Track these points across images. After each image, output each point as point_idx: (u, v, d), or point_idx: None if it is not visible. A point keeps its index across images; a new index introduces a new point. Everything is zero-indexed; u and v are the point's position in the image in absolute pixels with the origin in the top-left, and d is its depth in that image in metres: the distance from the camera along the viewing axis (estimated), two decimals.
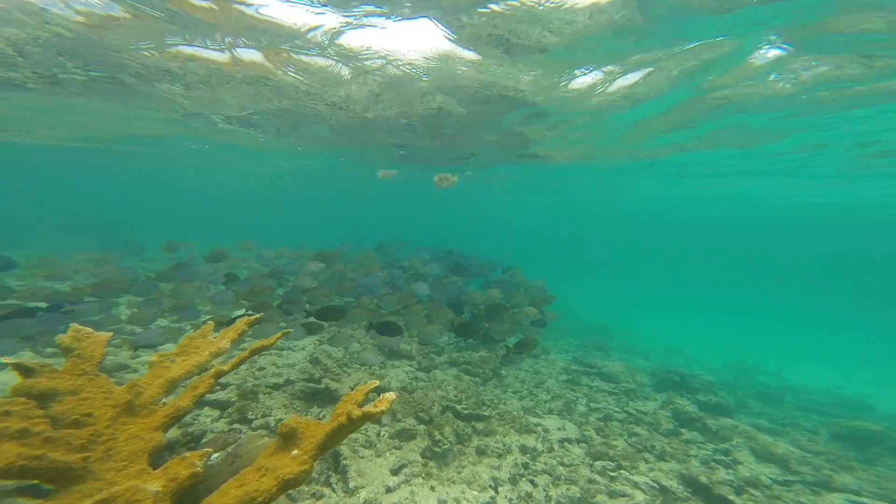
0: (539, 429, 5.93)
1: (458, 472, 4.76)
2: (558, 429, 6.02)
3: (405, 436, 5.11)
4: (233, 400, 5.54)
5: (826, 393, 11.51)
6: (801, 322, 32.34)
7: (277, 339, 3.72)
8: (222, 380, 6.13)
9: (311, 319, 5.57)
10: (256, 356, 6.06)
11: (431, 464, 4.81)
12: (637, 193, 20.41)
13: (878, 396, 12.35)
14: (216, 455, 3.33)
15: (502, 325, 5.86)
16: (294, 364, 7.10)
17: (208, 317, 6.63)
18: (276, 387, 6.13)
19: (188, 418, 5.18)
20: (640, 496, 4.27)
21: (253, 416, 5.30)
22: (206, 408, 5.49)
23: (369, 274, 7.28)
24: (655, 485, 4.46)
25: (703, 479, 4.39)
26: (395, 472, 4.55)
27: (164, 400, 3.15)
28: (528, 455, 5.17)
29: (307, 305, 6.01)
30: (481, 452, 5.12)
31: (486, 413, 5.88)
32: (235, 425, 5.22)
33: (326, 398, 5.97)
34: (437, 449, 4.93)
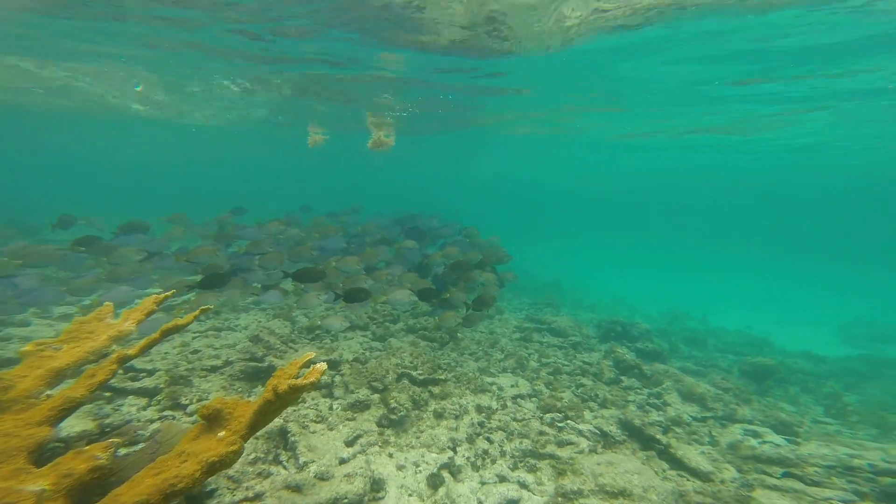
0: (494, 387, 6.18)
1: (417, 437, 4.84)
2: (511, 386, 6.33)
3: (359, 407, 5.04)
4: (161, 386, 5.04)
5: (739, 334, 13.41)
6: (726, 269, 37.05)
7: (194, 317, 3.27)
8: (149, 366, 5.53)
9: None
10: (175, 335, 5.41)
11: (388, 431, 4.82)
12: (583, 152, 20.85)
13: (777, 333, 14.68)
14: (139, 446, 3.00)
15: (465, 286, 5.78)
16: (234, 344, 6.59)
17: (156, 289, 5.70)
18: (214, 369, 5.66)
19: (108, 409, 4.64)
20: (584, 443, 4.67)
21: (187, 402, 4.88)
22: (131, 396, 4.95)
23: (326, 237, 6.70)
24: (598, 431, 4.89)
25: (637, 422, 4.88)
26: (349, 444, 4.50)
27: (50, 392, 2.67)
28: (483, 414, 5.39)
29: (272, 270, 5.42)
30: (439, 416, 5.24)
31: (443, 377, 5.98)
32: (167, 412, 4.79)
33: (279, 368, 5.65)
34: (393, 416, 4.94)
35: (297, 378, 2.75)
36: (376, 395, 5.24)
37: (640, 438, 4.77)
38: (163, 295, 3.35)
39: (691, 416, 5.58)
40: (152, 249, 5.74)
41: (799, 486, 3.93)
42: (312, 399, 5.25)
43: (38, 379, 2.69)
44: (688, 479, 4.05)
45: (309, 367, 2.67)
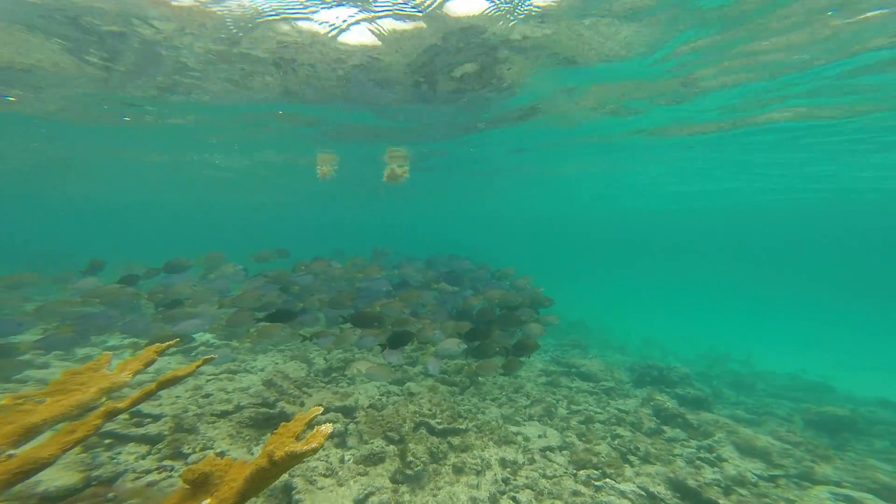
0: (519, 438, 5.59)
1: (434, 496, 4.32)
2: (539, 436, 5.71)
3: (373, 459, 4.60)
4: (166, 433, 4.82)
5: (792, 378, 12.01)
6: (766, 308, 34.39)
7: (196, 367, 3.15)
8: (157, 410, 5.37)
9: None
10: (173, 385, 5.26)
11: (403, 488, 4.33)
12: (608, 188, 20.75)
13: (837, 378, 13.04)
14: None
15: (506, 331, 5.48)
16: (248, 388, 6.40)
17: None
18: (224, 414, 5.43)
19: (104, 457, 4.42)
20: None
21: (189, 450, 4.61)
22: (131, 444, 4.74)
23: (370, 279, 6.60)
24: (643, 492, 4.21)
25: (691, 482, 4.19)
26: (359, 503, 4.04)
27: (12, 452, 2.47)
28: (508, 469, 4.80)
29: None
30: (458, 470, 4.70)
31: (463, 426, 5.47)
32: (166, 462, 4.52)
33: (283, 424, 5.34)
34: (408, 471, 4.46)
35: (299, 440, 2.52)
36: (392, 447, 4.81)
37: (697, 502, 4.06)
38: (165, 344, 3.28)
39: (755, 475, 4.77)
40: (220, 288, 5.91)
41: None
42: (324, 450, 4.87)
43: (3, 437, 2.49)
44: None
45: (315, 424, 2.44)
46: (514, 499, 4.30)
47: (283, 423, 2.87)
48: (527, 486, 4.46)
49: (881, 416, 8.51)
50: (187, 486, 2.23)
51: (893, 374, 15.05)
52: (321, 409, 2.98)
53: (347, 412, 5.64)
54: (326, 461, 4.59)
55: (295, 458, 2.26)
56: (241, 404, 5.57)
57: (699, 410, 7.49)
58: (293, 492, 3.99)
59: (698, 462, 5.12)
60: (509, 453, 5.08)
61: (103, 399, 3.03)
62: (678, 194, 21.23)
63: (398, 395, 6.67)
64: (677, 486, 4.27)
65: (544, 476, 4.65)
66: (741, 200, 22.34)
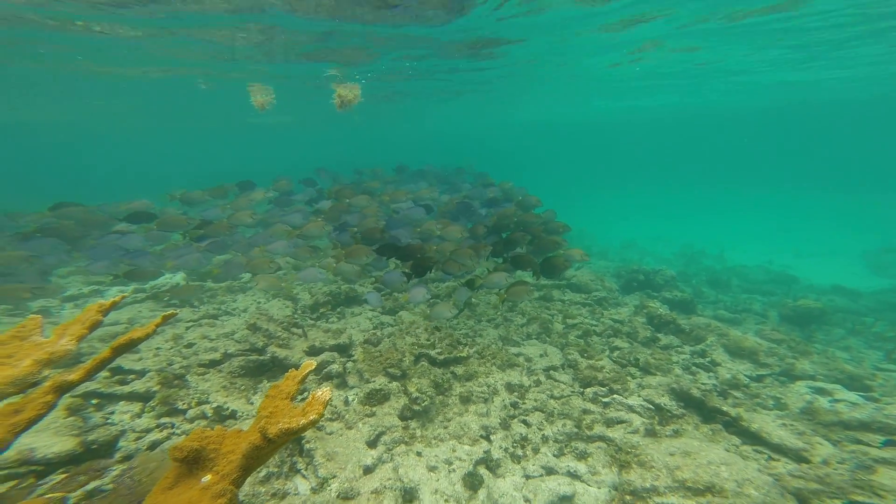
0: (521, 359, 5.57)
1: (445, 427, 4.28)
2: (541, 355, 5.71)
3: (377, 398, 4.42)
4: (155, 389, 4.40)
5: (762, 270, 12.75)
6: (732, 204, 35.86)
7: (155, 327, 2.44)
8: (138, 366, 4.86)
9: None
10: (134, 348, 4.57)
11: (413, 424, 4.25)
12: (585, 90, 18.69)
13: (798, 267, 14.06)
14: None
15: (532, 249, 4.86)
16: (233, 333, 5.88)
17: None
18: (212, 364, 5.00)
19: (97, 417, 4.03)
20: (636, 420, 4.10)
21: (185, 406, 4.26)
22: (122, 402, 4.34)
23: (396, 201, 5.66)
24: (649, 405, 4.30)
25: (695, 391, 4.26)
26: (371, 444, 3.93)
27: None
28: (515, 393, 4.80)
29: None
30: (466, 400, 4.65)
31: (464, 353, 5.33)
32: (164, 419, 4.19)
33: (277, 369, 5.01)
34: (416, 406, 4.34)
35: (294, 401, 2.00)
36: (395, 384, 4.61)
37: (701, 410, 4.19)
38: (109, 301, 2.47)
39: (747, 377, 4.98)
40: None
41: None
42: None
43: None
44: (775, 460, 3.51)
45: (315, 377, 1.89)
46: (524, 422, 4.33)
47: (273, 384, 2.36)
48: (536, 409, 4.48)
49: (838, 304, 9.24)
50: (181, 465, 1.78)
51: (843, 257, 16.37)
52: (314, 364, 2.45)
53: (343, 350, 5.34)
54: (330, 405, 4.38)
55: (292, 434, 1.83)
56: (229, 352, 5.11)
57: (688, 314, 7.77)
58: (303, 441, 3.80)
59: (694, 368, 5.29)
60: (514, 377, 5.04)
61: (45, 372, 2.39)
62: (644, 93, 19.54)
63: (391, 326, 6.41)
64: (681, 396, 4.36)
65: (552, 397, 4.66)
66: (699, 104, 21.12)
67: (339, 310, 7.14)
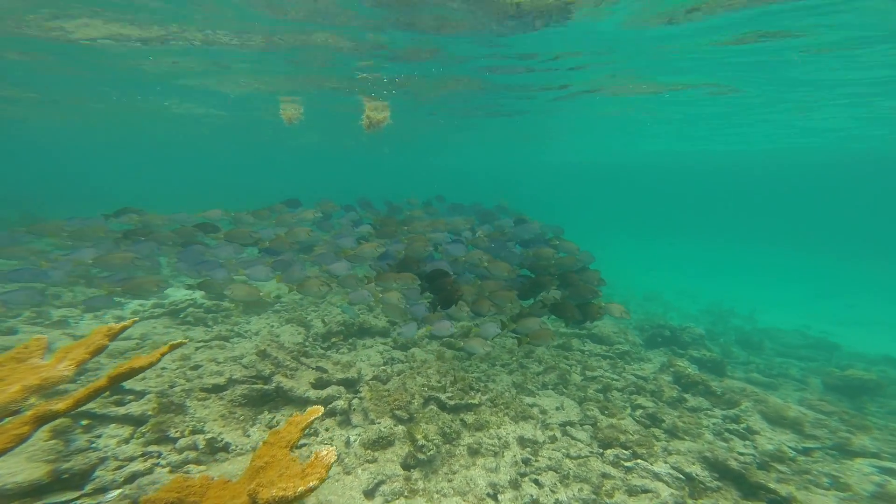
0: (535, 411, 5.23)
1: (449, 481, 3.96)
2: (557, 408, 5.36)
3: (381, 443, 4.19)
4: (149, 414, 4.33)
5: (798, 335, 11.93)
6: (763, 262, 34.58)
7: (161, 355, 2.45)
8: (139, 386, 4.85)
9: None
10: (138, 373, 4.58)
11: (416, 475, 3.96)
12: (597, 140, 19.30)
13: (838, 334, 13.08)
14: None
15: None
16: (241, 357, 5.87)
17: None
18: (215, 389, 4.93)
19: (82, 441, 3.93)
20: (664, 491, 3.68)
21: (177, 434, 4.15)
22: (112, 425, 4.26)
23: (437, 231, 5.58)
24: (678, 473, 3.88)
25: (733, 463, 3.83)
26: (369, 495, 3.65)
27: None
28: (527, 449, 4.45)
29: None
30: (474, 452, 4.34)
31: (476, 400, 5.06)
32: (152, 448, 4.07)
33: (280, 400, 4.88)
34: (421, 455, 4.07)
35: (294, 450, 1.91)
36: (401, 427, 4.38)
37: (740, 484, 3.73)
38: (119, 325, 2.54)
39: (792, 449, 4.47)
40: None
41: None
42: (327, 430, 4.45)
43: None
44: None
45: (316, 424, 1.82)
46: (536, 482, 3.96)
47: (273, 431, 2.27)
48: (550, 468, 4.11)
49: (891, 375, 8.43)
50: None
51: (893, 328, 15.18)
52: (321, 411, 2.38)
53: (350, 385, 5.18)
54: (330, 444, 4.17)
55: (286, 503, 1.68)
56: (234, 377, 5.06)
57: (718, 376, 7.25)
58: None
59: (727, 434, 4.82)
60: (527, 430, 4.71)
61: (31, 399, 2.38)
62: (674, 145, 20.00)
63: (402, 363, 6.24)
64: (715, 466, 3.92)
65: (568, 456, 4.30)
66: (736, 152, 21.23)
67: (350, 341, 7.06)
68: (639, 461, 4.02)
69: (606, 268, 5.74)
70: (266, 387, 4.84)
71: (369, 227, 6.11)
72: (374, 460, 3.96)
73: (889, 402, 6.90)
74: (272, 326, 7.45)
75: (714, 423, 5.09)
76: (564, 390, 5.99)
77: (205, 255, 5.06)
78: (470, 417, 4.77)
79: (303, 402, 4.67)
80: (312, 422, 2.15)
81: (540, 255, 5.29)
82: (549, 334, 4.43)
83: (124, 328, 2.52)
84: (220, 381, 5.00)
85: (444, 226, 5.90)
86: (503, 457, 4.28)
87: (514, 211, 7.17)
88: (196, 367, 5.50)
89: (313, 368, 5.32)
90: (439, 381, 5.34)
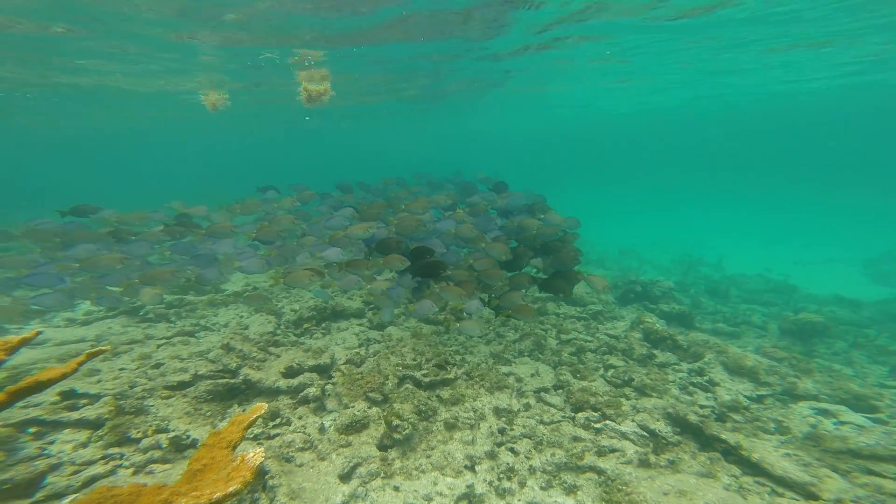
0: (511, 380, 5.38)
1: (427, 457, 4.08)
2: (532, 375, 5.53)
3: (355, 427, 4.21)
4: (106, 417, 4.15)
5: (761, 279, 12.68)
6: (730, 208, 36.05)
7: (78, 364, 2.23)
8: (94, 389, 4.62)
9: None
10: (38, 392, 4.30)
11: (392, 454, 4.04)
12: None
13: (798, 275, 14.01)
14: None
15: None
16: (207, 351, 5.67)
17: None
18: (181, 386, 4.77)
19: (32, 450, 3.75)
20: (630, 448, 3.92)
21: (139, 434, 4.02)
22: (67, 430, 4.08)
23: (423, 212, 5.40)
24: (643, 431, 4.12)
25: (692, 417, 4.10)
26: (345, 478, 3.72)
27: None
28: (503, 419, 4.61)
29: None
30: (451, 427, 4.45)
31: (451, 375, 5.13)
32: (113, 450, 3.94)
33: (251, 392, 4.78)
34: (397, 435, 4.13)
35: (224, 470, 1.78)
36: (375, 410, 4.40)
37: (699, 437, 4.02)
38: (17, 338, 2.26)
39: (747, 398, 4.83)
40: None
41: None
42: (300, 419, 4.42)
43: None
44: (779, 495, 3.33)
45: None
46: (512, 450, 4.13)
47: (212, 432, 2.14)
48: (525, 436, 4.29)
49: (839, 316, 9.15)
50: None
51: (844, 265, 16.39)
52: (265, 408, 2.26)
53: (323, 371, 5.12)
54: (304, 432, 4.16)
55: None
56: (200, 373, 4.89)
57: (685, 328, 7.63)
58: (266, 476, 3.57)
59: (691, 388, 5.14)
60: (503, 400, 4.86)
61: None
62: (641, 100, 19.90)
63: (379, 343, 6.21)
64: (677, 421, 4.19)
65: (542, 422, 4.48)
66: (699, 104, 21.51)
67: (324, 325, 6.93)
68: (607, 422, 4.24)
69: (584, 226, 5.72)
70: (233, 380, 4.70)
71: (352, 210, 5.85)
72: (349, 444, 4.00)
73: (835, 343, 7.53)
74: (241, 317, 7.20)
75: (680, 378, 5.41)
76: (540, 356, 6.16)
77: (199, 249, 4.96)
78: (446, 393, 4.85)
79: (273, 393, 4.60)
80: (255, 420, 2.03)
81: (523, 226, 5.17)
82: (532, 311, 4.44)
83: (25, 341, 2.26)
84: (186, 377, 4.83)
85: (428, 203, 5.66)
86: (479, 429, 4.42)
87: (497, 181, 6.99)
88: (158, 366, 5.28)
89: (284, 357, 5.19)
90: (415, 359, 5.35)
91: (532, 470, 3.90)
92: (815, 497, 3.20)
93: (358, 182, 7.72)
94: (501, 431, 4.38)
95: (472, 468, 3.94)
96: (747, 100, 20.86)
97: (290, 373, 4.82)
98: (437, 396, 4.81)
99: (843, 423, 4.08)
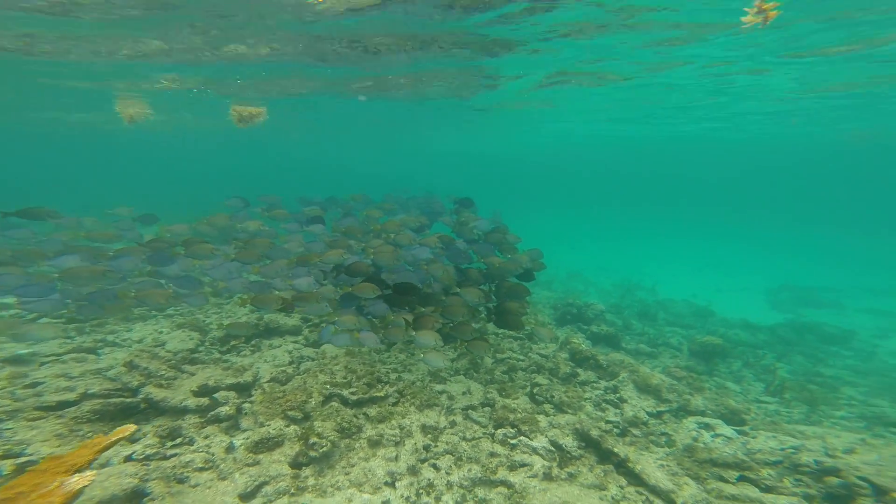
0: (443, 398, 5.63)
1: (346, 474, 4.15)
2: (463, 393, 5.83)
3: (267, 445, 4.18)
4: None
5: (686, 304, 14.30)
6: (672, 236, 40.15)
7: None
8: None
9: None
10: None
11: (307, 472, 4.07)
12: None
13: (718, 302, 16.00)
14: None
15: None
16: (108, 368, 5.28)
17: None
18: (60, 406, 4.40)
19: None
20: (538, 462, 4.31)
21: None
22: None
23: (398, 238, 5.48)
24: (552, 446, 4.55)
25: (594, 432, 4.61)
26: (247, 498, 3.67)
27: None
28: (429, 435, 4.82)
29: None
30: (375, 444, 4.57)
31: (382, 393, 5.27)
32: None
33: (152, 412, 4.54)
34: (313, 453, 4.17)
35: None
36: (293, 427, 4.41)
37: (598, 451, 4.53)
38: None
39: (647, 413, 5.50)
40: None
41: (754, 493, 3.91)
42: (206, 438, 4.29)
43: None
44: (649, 501, 3.87)
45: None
46: (434, 466, 4.35)
47: (50, 456, 2.10)
48: (447, 452, 4.53)
49: (741, 338, 10.62)
50: None
51: (754, 293, 18.95)
52: (131, 430, 2.28)
53: (243, 389, 5.02)
54: (207, 451, 4.05)
55: None
56: (91, 392, 4.55)
57: (613, 348, 8.44)
58: (145, 499, 3.42)
59: (604, 405, 5.73)
60: (431, 417, 5.08)
61: None
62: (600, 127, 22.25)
63: (312, 361, 6.18)
64: (582, 437, 4.68)
65: (465, 439, 4.76)
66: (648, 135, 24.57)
67: (254, 342, 6.75)
68: (522, 438, 4.63)
69: (533, 246, 6.27)
70: (130, 399, 4.45)
71: (322, 227, 5.97)
72: (257, 463, 3.97)
73: (733, 363, 8.76)
74: (160, 333, 6.75)
75: (597, 395, 6.01)
76: (475, 374, 6.50)
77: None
78: (373, 410, 4.97)
79: (179, 412, 4.42)
80: (115, 442, 2.04)
81: (489, 264, 5.54)
82: (486, 346, 4.76)
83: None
84: (70, 396, 4.47)
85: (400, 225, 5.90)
86: (404, 445, 4.59)
87: (462, 198, 7.25)
88: (34, 385, 4.81)
89: (200, 375, 5.01)
90: (345, 377, 5.42)
91: (450, 485, 4.14)
92: (673, 502, 3.78)
93: (328, 198, 7.65)
94: (426, 448, 4.58)
95: (392, 484, 4.09)
96: (684, 135, 23.80)
97: (203, 391, 4.67)
98: (364, 414, 4.91)
99: (717, 435, 4.83)
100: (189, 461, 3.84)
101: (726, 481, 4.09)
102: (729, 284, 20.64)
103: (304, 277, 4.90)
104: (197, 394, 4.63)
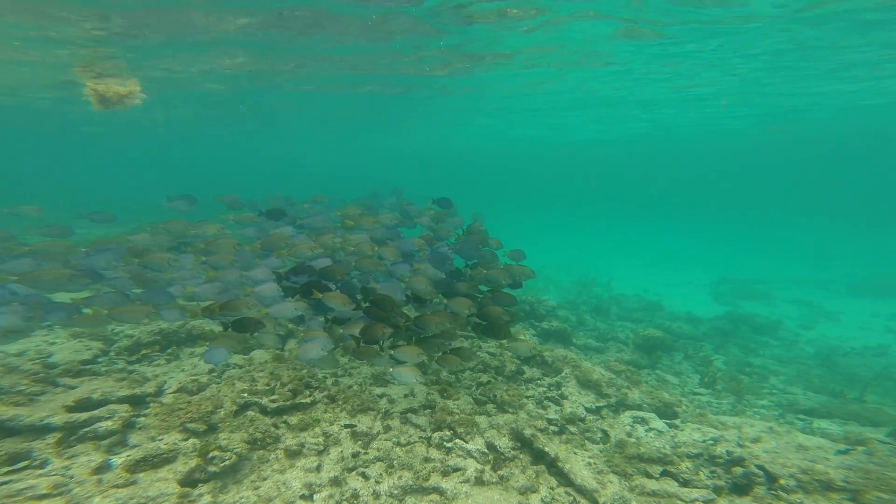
0: (382, 401, 5.44)
1: (255, 489, 3.87)
2: (405, 396, 5.68)
3: (152, 462, 3.78)
4: None
5: (637, 299, 15.09)
6: (623, 229, 42.42)
7: None
8: None
9: None
10: None
11: (202, 490, 3.73)
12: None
13: (667, 295, 17.07)
14: None
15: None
16: None
17: None
18: None
19: None
20: (472, 466, 4.26)
21: None
22: None
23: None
24: (486, 448, 4.53)
25: (527, 431, 4.65)
26: None
27: None
28: (360, 442, 4.62)
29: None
30: (294, 454, 4.30)
31: (308, 399, 5.00)
32: None
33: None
34: (212, 468, 3.84)
35: None
36: (191, 441, 4.03)
37: (531, 451, 4.57)
38: None
39: (586, 409, 5.66)
40: None
41: (673, 488, 4.11)
42: (67, 459, 3.80)
43: None
44: (576, 501, 3.94)
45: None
46: (363, 475, 4.17)
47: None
48: (379, 459, 4.36)
49: (684, 331, 11.38)
50: None
51: (698, 287, 20.44)
52: None
53: (138, 402, 4.53)
54: (62, 475, 3.59)
55: None
56: None
57: (566, 344, 8.66)
58: None
59: (546, 402, 5.83)
60: (365, 423, 4.88)
61: None
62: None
63: (239, 368, 5.75)
64: (517, 437, 4.70)
65: (399, 444, 4.61)
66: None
67: (170, 351, 6.18)
68: (457, 441, 4.57)
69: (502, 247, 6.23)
70: None
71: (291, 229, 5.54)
72: (132, 483, 3.58)
73: (675, 356, 9.32)
74: (48, 343, 5.96)
75: (539, 392, 6.10)
76: (421, 376, 6.35)
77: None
78: (295, 418, 4.69)
79: (37, 431, 3.90)
80: None
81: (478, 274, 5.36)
82: (457, 361, 4.60)
83: None
84: None
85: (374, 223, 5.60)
86: (329, 454, 4.37)
87: (440, 199, 7.07)
88: None
89: (84, 388, 4.46)
90: (268, 384, 5.09)
91: (377, 495, 3.98)
92: (596, 501, 3.89)
93: (284, 197, 7.14)
94: (355, 455, 4.39)
95: (309, 497, 3.87)
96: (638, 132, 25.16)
97: (81, 406, 4.15)
98: (285, 423, 4.63)
99: (651, 429, 5.06)
100: (24, 489, 3.37)
101: (651, 476, 4.27)
102: (678, 279, 22.13)
103: (269, 283, 4.52)
104: (72, 409, 4.11)
